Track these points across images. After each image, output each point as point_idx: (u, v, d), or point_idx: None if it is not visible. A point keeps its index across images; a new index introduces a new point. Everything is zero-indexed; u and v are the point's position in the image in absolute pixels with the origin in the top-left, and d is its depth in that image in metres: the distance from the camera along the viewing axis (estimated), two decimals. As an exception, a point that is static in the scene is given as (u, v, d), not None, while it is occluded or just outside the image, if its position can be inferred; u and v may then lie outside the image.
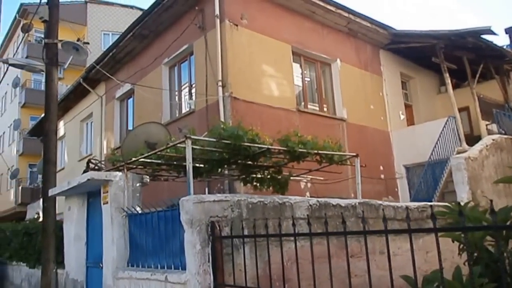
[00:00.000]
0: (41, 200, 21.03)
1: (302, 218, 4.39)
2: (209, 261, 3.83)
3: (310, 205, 4.67)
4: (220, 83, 7.94)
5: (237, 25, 8.16)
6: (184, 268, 4.01)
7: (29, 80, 27.87)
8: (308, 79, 10.09)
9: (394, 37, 11.48)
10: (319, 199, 4.86)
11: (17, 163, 26.90)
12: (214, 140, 4.81)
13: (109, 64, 11.66)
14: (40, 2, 7.49)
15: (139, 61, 11.10)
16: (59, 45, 7.11)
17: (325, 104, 10.25)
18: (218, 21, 8.04)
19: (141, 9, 25.55)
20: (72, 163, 16.12)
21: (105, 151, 13.43)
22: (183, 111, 9.67)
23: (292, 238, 3.85)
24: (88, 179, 5.16)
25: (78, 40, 7.83)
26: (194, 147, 4.83)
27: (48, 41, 6.94)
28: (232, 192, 7.63)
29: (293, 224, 3.28)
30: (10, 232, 10.32)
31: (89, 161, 6.78)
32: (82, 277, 6.18)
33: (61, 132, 17.71)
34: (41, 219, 17.09)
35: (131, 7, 27.23)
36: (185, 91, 9.95)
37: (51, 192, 6.51)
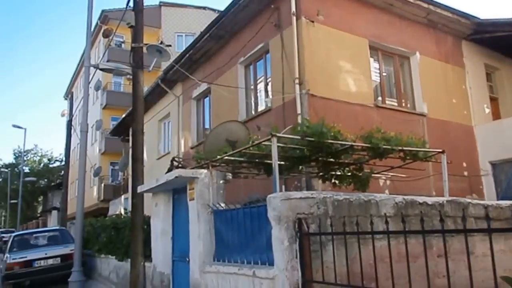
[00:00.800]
0: (122, 196, 22.38)
1: (388, 216, 4.26)
2: (296, 258, 3.83)
3: (396, 202, 4.51)
4: (297, 81, 7.91)
5: (313, 22, 8.07)
6: (271, 264, 4.04)
7: (109, 83, 29.81)
8: (386, 74, 9.74)
9: (478, 26, 10.72)
10: (405, 197, 4.67)
11: (100, 161, 28.76)
12: (298, 137, 4.80)
13: (186, 65, 12.10)
14: (126, 8, 7.96)
15: (215, 61, 11.40)
16: (144, 48, 7.49)
17: (404, 99, 9.84)
18: (294, 18, 8.01)
19: (213, 10, 26.22)
20: (151, 161, 16.93)
21: (182, 150, 13.97)
22: (259, 109, 9.77)
23: (378, 236, 3.75)
24: (176, 177, 5.39)
25: (161, 43, 8.21)
26: (277, 144, 4.85)
27: (135, 45, 7.35)
28: (309, 190, 7.58)
29: (386, 222, 3.17)
30: (98, 226, 11.09)
31: (173, 160, 7.09)
32: (168, 270, 6.47)
33: (139, 132, 18.76)
34: (121, 214, 18.18)
35: (204, 8, 27.99)
36: (261, 89, 10.05)
37: (139, 189, 6.90)
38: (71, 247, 10.62)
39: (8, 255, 10.21)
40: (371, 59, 9.18)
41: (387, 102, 9.41)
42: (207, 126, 13.00)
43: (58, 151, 75.81)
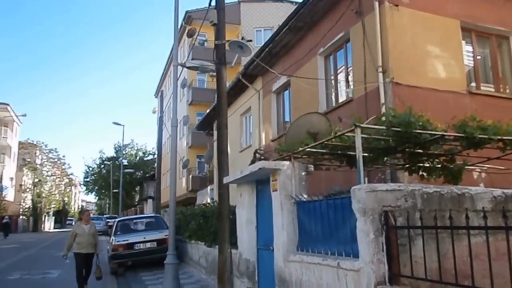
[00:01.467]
0: (208, 187, 23.38)
1: (485, 211, 3.98)
2: (383, 251, 3.77)
3: (494, 196, 4.21)
4: (380, 69, 7.63)
5: (397, 6, 7.71)
6: (355, 256, 4.02)
7: (194, 80, 31.22)
8: (481, 57, 8.98)
9: None
10: (505, 191, 4.34)
11: (187, 154, 30.28)
12: (383, 128, 4.66)
13: (266, 59, 12.26)
14: (209, 7, 8.29)
15: (294, 53, 11.41)
16: (226, 45, 7.75)
17: (502, 83, 9.00)
18: (376, 3, 7.71)
19: (291, 2, 26.13)
20: (234, 154, 17.45)
21: (263, 142, 14.23)
22: (340, 100, 9.61)
23: (473, 232, 3.53)
24: (259, 168, 5.55)
25: (242, 38, 8.43)
26: (361, 135, 4.76)
27: (218, 42, 7.64)
28: (394, 182, 7.31)
29: (484, 217, 2.97)
30: (188, 214, 11.78)
31: (255, 152, 7.29)
32: (253, 258, 6.70)
33: (223, 125, 19.45)
34: (208, 204, 19.04)
35: (282, 0, 28.03)
36: (341, 80, 9.87)
37: (225, 180, 7.21)
38: (165, 232, 11.46)
39: (114, 238, 11.34)
40: (463, 42, 8.51)
41: (482, 88, 8.69)
42: (287, 119, 13.09)
43: (151, 145, 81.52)
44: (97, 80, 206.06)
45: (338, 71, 10.05)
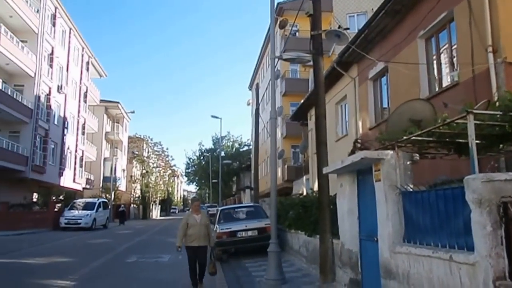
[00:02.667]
0: (303, 177, 23.49)
1: None
2: (502, 244, 3.55)
3: None
4: (490, 49, 7.03)
5: (510, -23, 7.02)
6: (469, 249, 3.84)
7: (287, 71, 31.46)
8: None
9: None
10: None
11: (282, 145, 30.69)
12: (499, 113, 4.34)
13: (361, 45, 11.95)
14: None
15: (392, 38, 10.97)
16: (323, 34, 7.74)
17: None
18: (485, -22, 7.10)
19: (385, -15, 24.93)
20: (330, 143, 17.18)
21: (360, 131, 13.94)
22: (444, 84, 9.04)
23: None
24: (362, 158, 5.50)
25: (339, 27, 8.34)
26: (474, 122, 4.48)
27: (314, 33, 7.67)
28: (510, 171, 6.72)
29: None
30: (287, 204, 12.04)
31: (355, 142, 7.21)
32: (356, 248, 6.68)
33: (317, 115, 19.37)
34: (302, 193, 19.11)
35: (375, -16, 26.86)
36: (445, 63, 9.27)
37: (325, 170, 7.27)
38: (265, 221, 11.89)
39: (218, 226, 12.04)
40: None
41: None
42: (385, 105, 12.66)
43: (246, 137, 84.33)
44: (195, 76, 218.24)
45: (441, 54, 9.45)
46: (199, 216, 7.93)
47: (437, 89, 9.27)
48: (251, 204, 16.09)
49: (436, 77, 9.56)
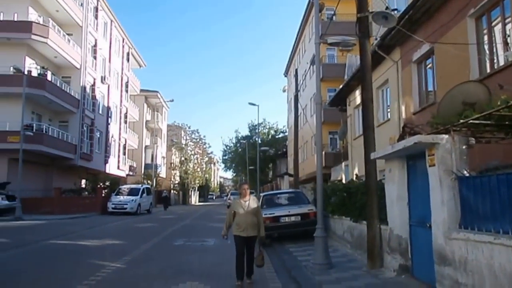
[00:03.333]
0: (342, 163, 23.29)
1: None
2: None
3: None
4: (551, 25, 6.67)
5: None
6: (535, 236, 3.74)
7: (324, 56, 31.00)
8: None
9: None
10: None
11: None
12: None
13: (405, 26, 11.58)
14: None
15: (438, 18, 10.57)
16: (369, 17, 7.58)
17: None
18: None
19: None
20: (371, 129, 17.07)
21: (403, 116, 13.63)
22: (497, 65, 8.66)
23: None
24: (415, 143, 5.42)
25: (387, 8, 8.13)
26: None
27: (360, 15, 7.53)
28: None
29: None
30: (330, 190, 12.01)
31: (404, 126, 7.08)
32: (406, 234, 6.62)
33: (357, 101, 19.02)
34: (342, 180, 18.92)
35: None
36: (498, 42, 8.86)
37: (373, 155, 7.20)
38: (308, 207, 11.94)
39: (261, 211, 12.14)
40: None
41: None
42: (430, 89, 12.28)
43: (281, 123, 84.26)
44: (234, 70, 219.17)
45: (493, 33, 9.02)
46: (247, 202, 6.92)
47: (488, 70, 8.90)
48: (293, 190, 16.13)
49: (488, 58, 9.17)
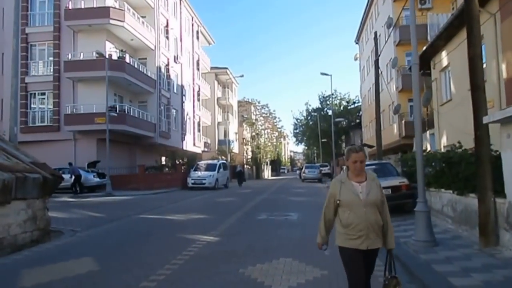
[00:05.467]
0: (427, 132, 21.78)
1: None
2: None
3: None
4: None
5: None
6: None
7: (401, 17, 28.84)
8: None
9: None
10: None
11: (397, 99, 28.82)
12: None
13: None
14: None
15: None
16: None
17: None
18: None
19: None
20: (462, 93, 15.59)
21: (504, 76, 12.19)
22: None
23: None
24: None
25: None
26: None
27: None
28: None
29: None
30: (424, 160, 11.05)
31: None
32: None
33: (444, 62, 17.42)
34: (428, 150, 17.58)
35: None
36: None
37: (486, 119, 6.33)
38: (399, 179, 11.19)
39: None
40: None
41: None
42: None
43: (354, 94, 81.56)
44: (302, 38, 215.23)
45: None
46: (363, 185, 3.70)
47: None
48: (380, 161, 15.22)
49: None
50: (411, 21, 8.47)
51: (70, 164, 24.18)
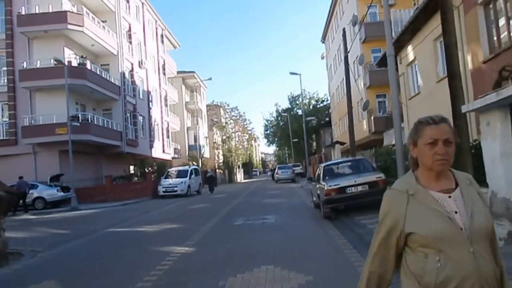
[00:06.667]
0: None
1: None
2: None
3: None
4: None
5: None
6: None
7: (366, 14, 29.11)
8: None
9: None
10: None
11: (365, 95, 29.04)
12: None
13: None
14: None
15: None
16: None
17: None
18: None
19: None
20: (429, 86, 15.73)
21: (470, 67, 12.28)
22: None
23: None
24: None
25: None
26: None
27: None
28: None
29: None
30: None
31: (502, 70, 5.98)
32: (516, 196, 5.62)
33: (410, 57, 17.56)
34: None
35: None
36: None
37: (464, 108, 6.16)
38: (376, 174, 10.99)
39: (325, 183, 11.29)
40: None
41: None
42: (503, 31, 10.80)
43: (322, 92, 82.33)
44: (270, 40, 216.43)
45: None
46: (456, 195, 1.71)
47: None
48: (355, 158, 15.07)
49: None
50: (384, 14, 8.26)
51: (20, 177, 22.02)
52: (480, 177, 6.37)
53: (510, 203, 5.68)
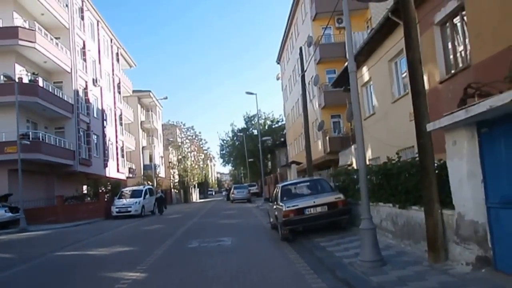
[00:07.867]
0: (352, 147, 22.02)
1: None
2: None
3: None
4: None
5: None
6: None
7: (320, 36, 29.62)
8: None
9: None
10: None
11: (320, 116, 29.26)
12: None
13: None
14: None
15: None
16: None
17: None
18: None
19: None
20: (385, 106, 15.89)
21: (427, 86, 12.42)
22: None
23: None
24: (502, 104, 4.17)
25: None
26: None
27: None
28: None
29: None
30: (358, 175, 10.76)
31: (467, 87, 5.85)
32: (483, 219, 5.43)
33: (365, 77, 17.76)
34: (354, 165, 17.67)
35: None
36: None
37: (430, 126, 5.97)
38: (335, 195, 10.70)
39: (283, 204, 10.84)
40: None
41: None
42: (462, 51, 10.99)
43: (277, 113, 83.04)
44: (219, 59, 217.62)
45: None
46: None
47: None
48: (314, 178, 14.79)
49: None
50: (346, 29, 8.08)
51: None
52: (446, 199, 6.18)
53: (478, 225, 5.47)
